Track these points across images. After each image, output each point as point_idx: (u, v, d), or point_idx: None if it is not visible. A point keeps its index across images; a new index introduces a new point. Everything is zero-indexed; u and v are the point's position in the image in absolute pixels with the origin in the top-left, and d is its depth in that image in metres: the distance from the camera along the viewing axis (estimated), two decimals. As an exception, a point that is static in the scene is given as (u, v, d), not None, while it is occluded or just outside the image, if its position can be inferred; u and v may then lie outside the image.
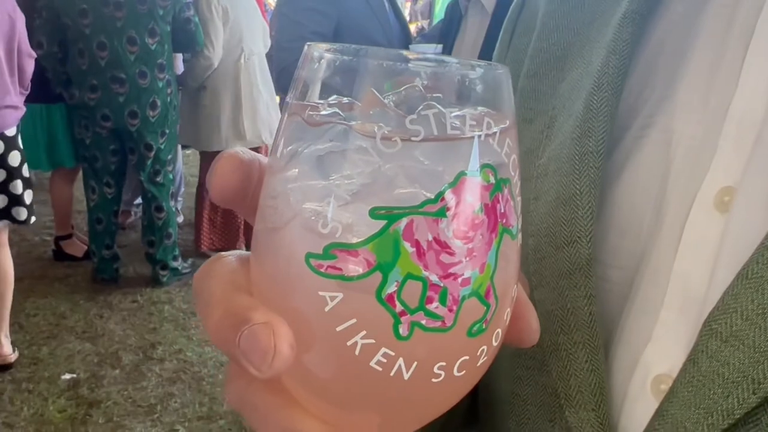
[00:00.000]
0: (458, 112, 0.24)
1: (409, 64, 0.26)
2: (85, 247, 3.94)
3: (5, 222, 2.97)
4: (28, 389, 2.76)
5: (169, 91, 3.41)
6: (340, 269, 0.23)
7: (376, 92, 0.24)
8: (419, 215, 0.23)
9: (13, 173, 2.87)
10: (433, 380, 0.25)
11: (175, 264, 3.57)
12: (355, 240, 0.23)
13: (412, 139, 0.22)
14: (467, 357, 0.25)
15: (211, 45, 3.54)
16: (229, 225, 3.83)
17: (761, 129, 0.34)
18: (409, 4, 7.16)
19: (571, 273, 0.40)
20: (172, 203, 3.69)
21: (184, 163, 4.53)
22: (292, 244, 0.24)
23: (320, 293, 0.23)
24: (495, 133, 0.24)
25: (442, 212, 0.23)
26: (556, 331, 0.41)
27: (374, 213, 0.22)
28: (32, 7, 3.30)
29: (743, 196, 0.34)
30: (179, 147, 3.90)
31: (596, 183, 0.40)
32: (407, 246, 0.23)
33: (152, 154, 3.45)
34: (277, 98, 4.06)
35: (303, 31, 2.05)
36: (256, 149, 3.77)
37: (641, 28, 0.42)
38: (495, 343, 0.27)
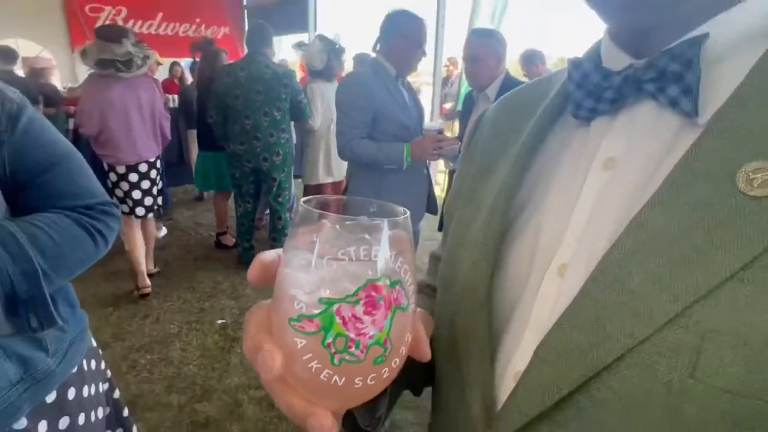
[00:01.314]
0: (368, 246, 0.31)
1: (355, 214, 0.33)
2: (234, 240, 4.23)
3: (151, 214, 3.47)
4: (196, 328, 3.08)
5: (287, 145, 3.67)
6: (303, 328, 0.30)
7: (336, 227, 0.31)
8: (344, 303, 0.30)
9: (158, 186, 3.42)
10: (355, 386, 0.32)
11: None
12: (311, 313, 0.30)
13: (339, 260, 0.30)
14: (374, 374, 0.32)
15: (313, 117, 3.74)
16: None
17: (585, 229, 0.39)
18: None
19: (474, 310, 0.43)
20: (288, 215, 3.90)
21: (296, 187, 4.65)
22: (284, 311, 0.31)
23: (294, 339, 0.31)
24: (392, 255, 0.31)
25: (357, 302, 0.30)
26: (466, 341, 0.44)
27: (321, 300, 0.30)
28: (206, 93, 3.74)
29: (571, 269, 0.38)
30: (293, 178, 4.11)
31: (492, 255, 0.44)
32: (337, 319, 0.30)
33: (276, 183, 3.73)
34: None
35: (353, 121, 2.10)
36: (341, 182, 3.87)
37: (532, 153, 0.47)
38: (394, 366, 0.34)
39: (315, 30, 6.15)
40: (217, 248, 4.40)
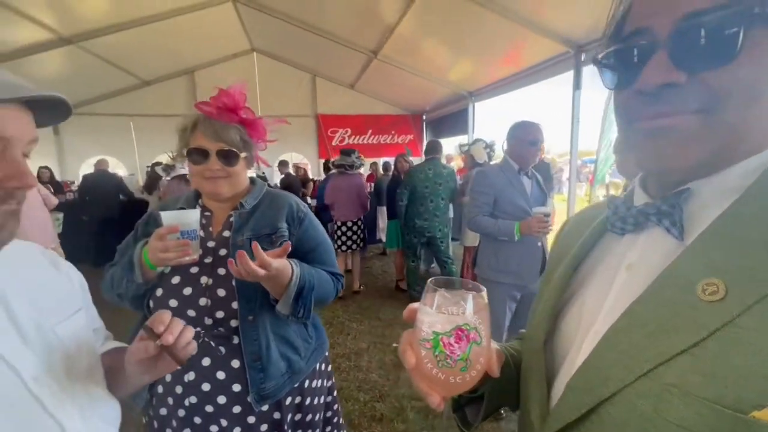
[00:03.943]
0: (460, 307, 0.40)
1: (454, 290, 0.42)
2: (406, 285, 4.41)
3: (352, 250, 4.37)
4: (379, 347, 3.24)
5: (450, 220, 4.05)
6: (424, 345, 0.41)
7: (445, 294, 0.42)
8: (444, 335, 0.40)
9: (359, 234, 4.39)
10: (450, 381, 0.41)
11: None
12: (428, 338, 0.40)
13: (444, 312, 0.41)
14: (460, 377, 0.41)
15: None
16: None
17: (610, 310, 0.42)
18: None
19: (536, 352, 0.48)
20: (453, 268, 4.06)
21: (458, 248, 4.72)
22: (417, 335, 0.43)
23: (420, 350, 0.41)
24: (473, 313, 0.41)
25: (451, 335, 0.40)
26: (530, 372, 0.48)
27: (434, 333, 0.40)
28: (397, 184, 4.29)
29: (604, 335, 0.41)
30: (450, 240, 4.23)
31: (550, 320, 0.49)
32: (441, 343, 0.40)
33: (444, 246, 4.02)
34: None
35: (478, 202, 2.21)
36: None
37: (584, 254, 0.51)
38: (473, 374, 0.41)
39: (473, 132, 6.42)
40: (396, 290, 4.62)
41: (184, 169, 4.64)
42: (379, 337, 3.47)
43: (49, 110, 0.52)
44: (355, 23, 5.06)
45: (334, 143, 8.36)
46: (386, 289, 4.71)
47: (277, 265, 0.88)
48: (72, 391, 0.55)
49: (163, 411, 1.05)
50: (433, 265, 5.01)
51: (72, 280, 0.67)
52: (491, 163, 4.00)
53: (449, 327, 0.41)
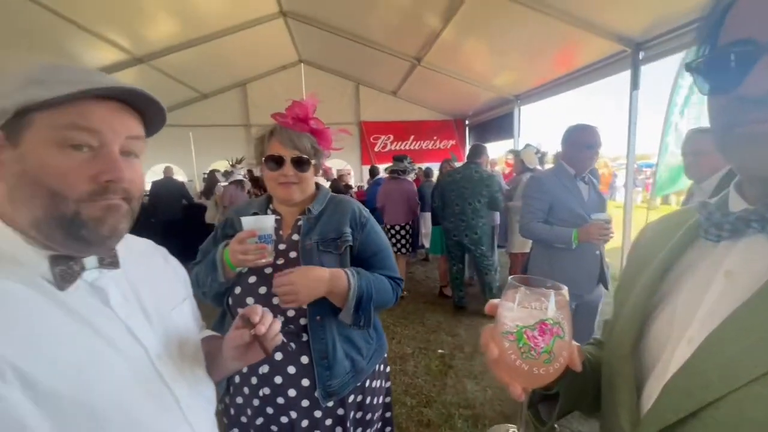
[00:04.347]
0: (542, 303, 0.42)
1: (535, 288, 0.43)
2: (450, 291, 4.39)
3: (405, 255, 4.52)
4: (424, 353, 3.25)
5: (484, 227, 3.85)
6: (508, 338, 0.42)
7: (526, 291, 0.43)
8: (528, 329, 0.42)
9: (407, 238, 4.51)
10: (533, 372, 0.42)
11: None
12: (512, 331, 0.41)
13: (527, 308, 0.42)
14: (543, 369, 0.42)
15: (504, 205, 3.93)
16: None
17: (707, 315, 0.41)
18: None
19: (623, 357, 0.48)
20: (490, 275, 3.97)
21: (504, 255, 4.69)
22: (500, 329, 0.44)
23: (504, 342, 0.43)
24: (555, 309, 0.43)
25: (535, 329, 0.41)
26: (618, 376, 0.47)
27: (517, 326, 0.42)
28: (435, 188, 4.27)
29: (696, 341, 0.41)
30: (496, 247, 4.14)
31: (637, 327, 0.48)
32: (525, 336, 0.41)
33: (480, 254, 3.90)
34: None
35: (531, 208, 2.15)
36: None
37: (671, 262, 0.50)
38: (557, 366, 0.43)
39: (518, 137, 6.26)
40: (440, 296, 4.60)
41: (240, 175, 5.06)
42: (424, 342, 3.46)
43: (152, 117, 0.55)
44: (400, 31, 5.14)
45: (376, 149, 8.49)
46: (430, 295, 4.70)
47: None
48: (182, 369, 0.62)
49: (239, 400, 1.13)
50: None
51: (177, 273, 0.75)
52: (541, 168, 3.90)
53: (532, 321, 0.42)
